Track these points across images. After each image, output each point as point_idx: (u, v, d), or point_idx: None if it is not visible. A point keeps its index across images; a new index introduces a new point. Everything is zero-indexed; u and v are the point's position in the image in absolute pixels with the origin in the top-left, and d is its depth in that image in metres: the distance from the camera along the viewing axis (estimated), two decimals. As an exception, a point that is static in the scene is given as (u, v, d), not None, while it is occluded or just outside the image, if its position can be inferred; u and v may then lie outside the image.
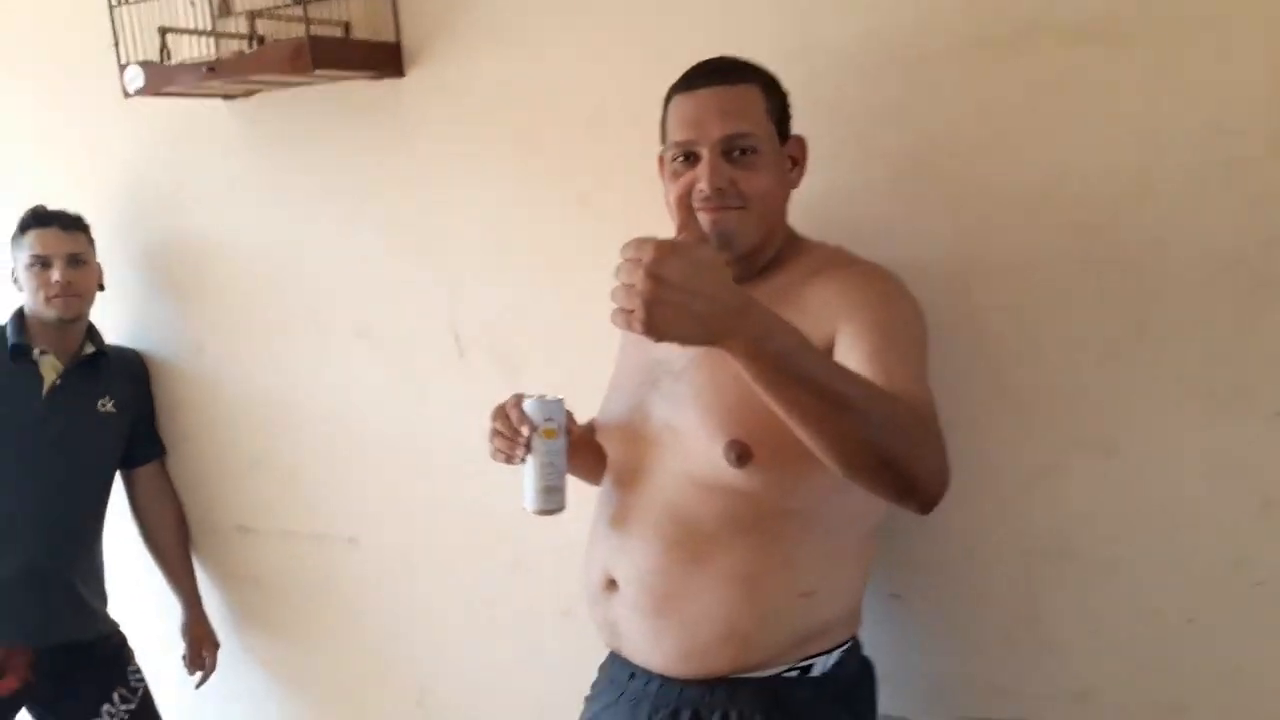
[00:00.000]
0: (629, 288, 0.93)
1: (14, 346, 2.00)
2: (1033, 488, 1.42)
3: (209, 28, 1.79)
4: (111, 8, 1.82)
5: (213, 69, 1.72)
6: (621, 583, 1.31)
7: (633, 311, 0.93)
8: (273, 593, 2.16)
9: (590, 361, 1.58)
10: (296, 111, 1.94)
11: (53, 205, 2.04)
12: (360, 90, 1.86)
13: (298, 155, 1.97)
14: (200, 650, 2.16)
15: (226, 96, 1.99)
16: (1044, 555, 1.42)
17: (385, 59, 1.82)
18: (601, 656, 1.44)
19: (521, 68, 1.73)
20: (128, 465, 2.15)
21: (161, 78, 1.79)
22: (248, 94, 1.96)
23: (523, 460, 1.29)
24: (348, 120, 1.90)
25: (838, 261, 1.31)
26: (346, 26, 1.83)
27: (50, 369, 2.02)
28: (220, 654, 2.20)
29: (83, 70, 2.13)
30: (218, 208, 2.07)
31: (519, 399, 1.31)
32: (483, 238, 1.82)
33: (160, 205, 2.14)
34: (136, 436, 2.14)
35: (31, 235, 2.00)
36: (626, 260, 0.94)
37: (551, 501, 1.30)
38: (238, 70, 1.73)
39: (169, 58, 1.79)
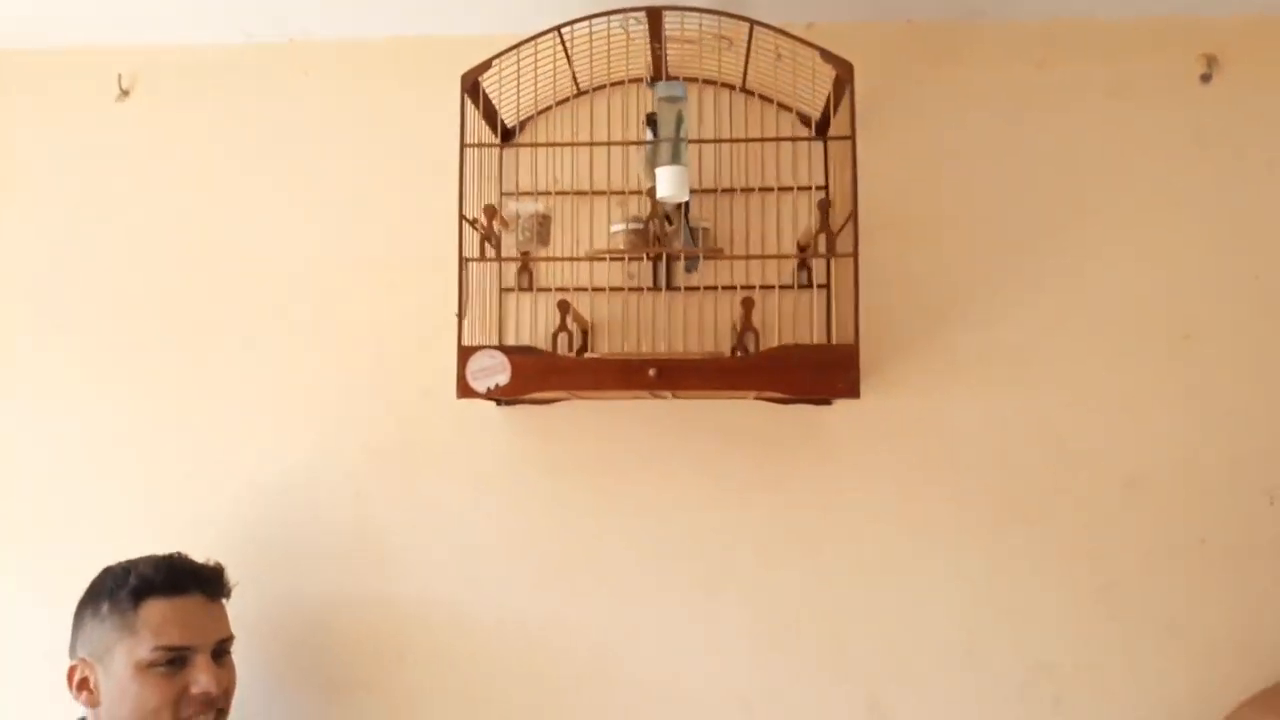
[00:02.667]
0: None
1: None
2: None
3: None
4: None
5: (661, 371, 1.14)
6: None
7: None
8: None
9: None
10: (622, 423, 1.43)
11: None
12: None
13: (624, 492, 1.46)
14: None
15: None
16: None
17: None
18: None
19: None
20: None
21: (542, 372, 1.19)
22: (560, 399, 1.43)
23: None
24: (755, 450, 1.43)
25: None
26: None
27: None
28: None
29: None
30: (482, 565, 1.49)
31: None
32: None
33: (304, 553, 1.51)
34: None
35: (152, 610, 1.16)
36: None
37: None
38: (718, 381, 1.17)
39: (575, 342, 1.31)
